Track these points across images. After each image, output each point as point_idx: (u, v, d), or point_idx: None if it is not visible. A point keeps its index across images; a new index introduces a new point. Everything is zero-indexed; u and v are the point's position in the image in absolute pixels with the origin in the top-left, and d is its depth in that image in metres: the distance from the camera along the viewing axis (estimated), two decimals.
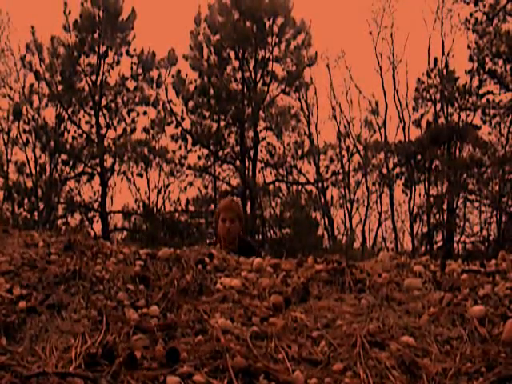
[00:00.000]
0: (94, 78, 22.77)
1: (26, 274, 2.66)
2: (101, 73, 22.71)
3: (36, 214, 23.39)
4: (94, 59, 22.73)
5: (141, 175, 23.36)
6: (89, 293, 2.51)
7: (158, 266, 2.90)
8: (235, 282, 2.74)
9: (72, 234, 3.28)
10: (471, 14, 23.91)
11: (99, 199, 23.34)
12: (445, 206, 24.94)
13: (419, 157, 25.14)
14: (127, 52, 22.65)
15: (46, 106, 23.21)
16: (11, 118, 23.36)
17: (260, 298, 2.63)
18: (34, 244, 3.18)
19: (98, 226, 23.77)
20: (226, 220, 5.66)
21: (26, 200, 23.31)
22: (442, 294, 2.77)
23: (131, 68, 22.74)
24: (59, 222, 23.80)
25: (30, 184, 23.37)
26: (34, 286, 2.52)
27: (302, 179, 24.54)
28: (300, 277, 2.85)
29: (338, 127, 26.09)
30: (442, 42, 25.84)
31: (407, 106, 26.09)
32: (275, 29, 22.65)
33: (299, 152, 23.66)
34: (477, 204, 24.96)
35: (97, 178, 23.32)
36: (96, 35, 22.52)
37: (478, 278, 3.12)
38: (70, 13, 22.55)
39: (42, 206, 23.38)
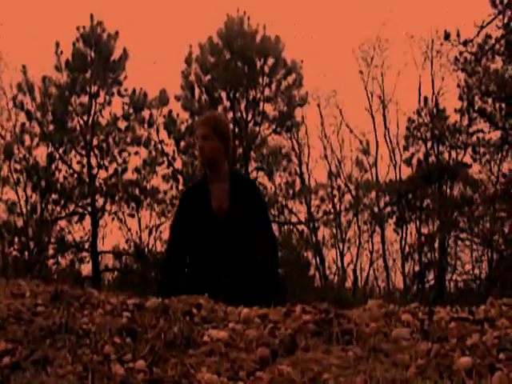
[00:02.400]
0: (85, 117, 22.86)
1: (12, 327, 2.64)
2: (92, 113, 22.80)
3: (26, 253, 23.30)
4: (85, 99, 22.86)
5: (132, 215, 23.33)
6: (75, 347, 2.50)
7: (146, 317, 2.88)
8: (222, 334, 2.72)
9: (59, 284, 3.27)
10: (460, 54, 24.13)
11: (90, 239, 23.25)
12: (436, 245, 24.98)
13: (410, 195, 25.24)
14: (119, 92, 22.75)
15: (38, 145, 23.25)
16: (2, 157, 23.40)
17: (247, 350, 2.62)
18: (20, 294, 3.17)
19: (88, 267, 23.72)
20: (198, 139, 4.56)
21: (16, 239, 23.23)
22: (430, 344, 2.76)
23: (123, 108, 22.85)
24: (50, 262, 23.72)
25: (20, 223, 23.34)
26: (19, 341, 2.51)
27: (294, 219, 24.59)
28: (287, 328, 2.83)
29: (330, 166, 26.23)
30: (432, 80, 26.14)
31: (398, 144, 26.25)
32: (266, 69, 22.83)
33: (290, 192, 23.72)
34: (468, 242, 25.01)
35: (88, 218, 23.28)
36: (88, 75, 22.66)
37: (467, 326, 3.10)
38: (61, 53, 22.72)
39: (32, 245, 23.31)
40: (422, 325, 3.07)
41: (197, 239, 4.45)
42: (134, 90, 22.75)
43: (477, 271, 24.79)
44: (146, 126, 22.88)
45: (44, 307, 2.92)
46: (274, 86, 22.99)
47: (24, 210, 23.34)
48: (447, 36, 24.63)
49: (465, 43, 23.77)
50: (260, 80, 22.80)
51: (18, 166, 23.19)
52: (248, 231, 4.45)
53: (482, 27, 21.81)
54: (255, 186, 5.00)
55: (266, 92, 22.90)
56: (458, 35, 24.09)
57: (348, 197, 25.96)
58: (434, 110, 25.51)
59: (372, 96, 26.47)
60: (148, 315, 2.92)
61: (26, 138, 23.18)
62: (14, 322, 2.70)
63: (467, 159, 24.89)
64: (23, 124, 23.24)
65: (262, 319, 2.97)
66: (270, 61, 22.85)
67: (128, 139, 22.83)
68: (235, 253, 4.42)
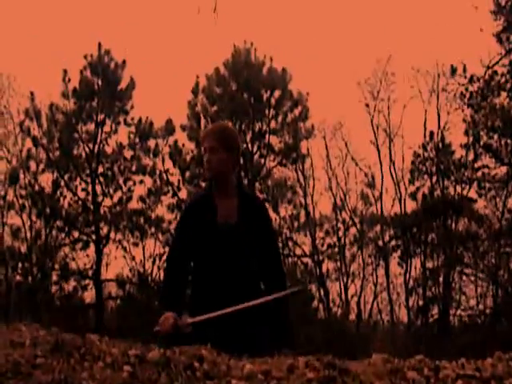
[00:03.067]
0: (91, 145, 22.93)
1: (9, 382, 2.59)
2: (98, 141, 22.87)
3: (30, 279, 23.28)
4: (91, 127, 22.95)
5: (136, 244, 23.30)
6: None
7: (147, 370, 2.83)
8: None
9: (60, 333, 3.22)
10: (466, 89, 24.15)
11: (93, 267, 23.22)
12: (441, 279, 24.87)
13: (415, 229, 25.18)
14: (125, 121, 22.85)
15: (43, 171, 23.32)
16: (7, 182, 23.45)
17: None
18: (20, 343, 3.12)
19: (91, 294, 23.66)
20: (205, 151, 4.20)
21: (20, 265, 23.22)
22: None
23: (129, 137, 22.94)
24: (53, 288, 23.67)
25: (24, 249, 23.34)
26: None
27: (298, 251, 24.54)
28: None
29: (335, 199, 26.20)
30: (438, 115, 26.11)
31: (403, 178, 26.22)
32: (273, 101, 22.91)
33: (295, 224, 23.70)
34: (473, 277, 24.90)
35: (92, 246, 23.26)
36: (94, 103, 22.77)
37: None
38: (69, 81, 22.86)
39: (36, 271, 23.29)
40: (427, 382, 3.02)
41: (200, 256, 4.14)
42: (140, 119, 22.85)
43: (481, 306, 24.65)
44: (151, 155, 22.93)
45: (44, 359, 2.87)
46: (280, 118, 23.06)
47: (28, 235, 23.36)
48: (453, 71, 24.74)
49: (471, 80, 23.83)
50: (266, 112, 22.87)
51: (23, 192, 23.25)
52: (256, 252, 4.18)
53: (488, 67, 21.89)
54: (264, 205, 4.60)
55: (272, 124, 22.98)
56: (465, 71, 24.19)
57: (353, 230, 25.94)
58: (440, 145, 25.49)
59: (378, 129, 26.48)
60: (149, 368, 2.87)
61: (32, 163, 23.26)
62: (12, 377, 2.65)
63: (472, 194, 24.87)
64: (29, 149, 23.34)
65: (265, 375, 2.92)
66: (277, 93, 22.93)
67: (133, 168, 22.88)
68: (241, 275, 4.12)
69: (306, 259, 24.72)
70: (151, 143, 22.98)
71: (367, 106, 26.26)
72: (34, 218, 23.41)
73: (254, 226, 4.14)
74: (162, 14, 38.62)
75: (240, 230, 4.11)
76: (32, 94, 23.10)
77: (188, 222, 4.20)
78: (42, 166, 23.11)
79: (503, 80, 23.53)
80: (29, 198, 23.17)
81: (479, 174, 24.80)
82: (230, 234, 4.10)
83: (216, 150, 4.11)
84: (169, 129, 22.77)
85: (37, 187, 23.16)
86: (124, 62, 22.83)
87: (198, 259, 4.17)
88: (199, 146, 22.63)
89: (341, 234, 25.61)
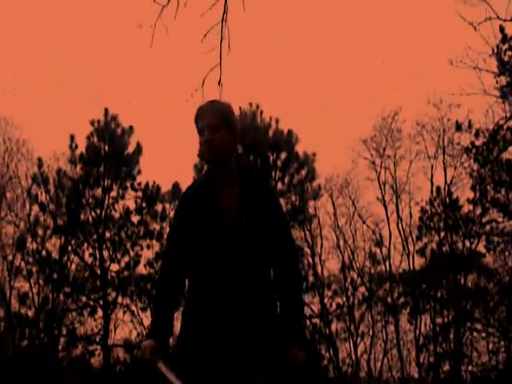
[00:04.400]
0: (98, 211, 22.95)
1: None
2: (105, 206, 22.90)
3: (37, 343, 23.17)
4: (98, 192, 22.99)
5: (144, 309, 23.18)
6: None
7: None
8: None
9: None
10: (472, 144, 24.16)
11: (101, 332, 23.09)
12: (451, 335, 24.67)
13: (424, 286, 25.04)
14: (132, 186, 22.89)
15: (50, 237, 23.34)
16: (15, 246, 23.48)
17: None
18: None
19: (99, 358, 23.49)
20: (203, 130, 3.58)
21: (27, 331, 23.11)
22: None
23: (135, 202, 22.95)
24: (61, 354, 23.53)
25: (31, 314, 23.26)
26: None
27: (307, 311, 24.35)
28: None
29: (343, 257, 26.09)
30: (445, 169, 26.07)
31: (411, 234, 26.13)
32: (279, 163, 22.93)
33: (304, 285, 23.54)
34: (484, 333, 24.71)
35: (99, 311, 23.16)
36: (101, 169, 22.84)
37: None
38: (76, 147, 22.98)
39: (43, 336, 23.19)
40: None
41: (199, 256, 3.50)
42: (147, 184, 22.89)
43: (494, 362, 24.40)
44: (158, 219, 22.92)
45: None
46: (286, 180, 23.05)
47: (36, 300, 23.29)
48: (458, 127, 24.76)
49: (476, 134, 23.85)
50: (273, 174, 22.88)
51: (30, 258, 23.25)
52: (266, 252, 3.54)
53: (494, 130, 21.91)
54: (272, 191, 3.89)
55: (279, 186, 22.94)
56: (470, 126, 24.22)
57: (361, 289, 25.82)
58: (447, 200, 25.45)
59: (384, 186, 26.45)
60: None
61: (39, 229, 23.28)
62: None
63: (481, 248, 24.74)
64: (37, 215, 23.39)
65: None
66: (283, 154, 22.95)
67: (140, 233, 22.86)
68: (248, 281, 3.46)
69: (315, 319, 24.56)
70: (158, 207, 23.00)
71: (373, 163, 26.29)
72: (41, 283, 23.37)
73: (261, 216, 3.54)
74: (167, 81, 38.86)
75: (249, 227, 3.51)
76: (40, 160, 23.25)
77: (185, 217, 3.61)
78: (49, 232, 23.11)
79: (509, 135, 23.57)
80: (36, 264, 23.14)
81: (487, 227, 24.71)
82: (237, 232, 3.49)
83: (217, 128, 3.54)
84: (176, 193, 22.77)
85: (44, 253, 23.14)
86: (131, 127, 22.95)
87: (196, 261, 3.53)
88: None
89: (349, 293, 25.50)
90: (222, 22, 7.97)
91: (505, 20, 20.43)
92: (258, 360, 3.38)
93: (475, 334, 24.80)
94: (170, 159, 34.21)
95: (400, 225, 26.29)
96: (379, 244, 25.97)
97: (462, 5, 15.68)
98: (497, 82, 22.48)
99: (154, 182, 22.94)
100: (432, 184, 25.94)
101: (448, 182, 25.82)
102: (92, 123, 22.95)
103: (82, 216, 23.07)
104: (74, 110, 37.11)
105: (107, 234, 22.99)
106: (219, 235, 3.48)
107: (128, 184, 22.84)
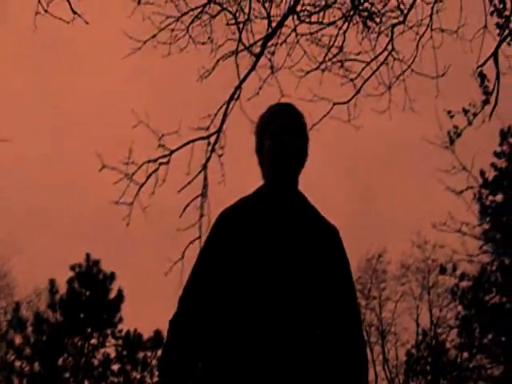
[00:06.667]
0: (77, 358, 22.30)
1: None
2: (85, 353, 22.28)
3: None
4: (78, 339, 22.39)
5: None
6: None
7: None
8: None
9: None
10: (457, 286, 24.11)
11: None
12: None
13: None
14: (113, 333, 22.35)
15: None
16: None
17: None
18: None
19: None
20: (281, 134, 2.65)
21: None
22: None
23: (116, 350, 22.36)
24: None
25: None
26: None
27: None
28: None
29: None
30: (430, 311, 25.94)
31: (397, 376, 25.72)
32: None
33: None
34: None
35: None
36: (81, 315, 22.33)
37: None
38: (56, 292, 22.52)
39: None
40: None
41: (233, 315, 2.50)
42: (128, 332, 22.36)
43: None
44: (139, 368, 22.30)
45: None
46: None
47: None
48: (443, 270, 24.72)
49: (461, 277, 23.83)
50: None
51: None
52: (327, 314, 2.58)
53: (479, 274, 21.91)
54: (338, 235, 2.77)
55: None
56: (454, 269, 24.23)
57: None
58: (433, 342, 25.18)
59: (370, 328, 26.18)
60: None
61: (14, 378, 22.55)
62: None
63: None
64: (13, 361, 22.70)
65: None
66: None
67: (121, 382, 22.19)
68: (302, 354, 2.50)
69: None
70: (139, 355, 22.39)
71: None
72: None
73: (326, 266, 2.58)
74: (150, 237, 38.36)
75: (310, 271, 2.53)
76: (17, 304, 22.80)
77: (219, 251, 2.57)
78: (25, 382, 22.36)
79: (494, 278, 23.55)
80: None
81: (475, 372, 24.37)
82: (293, 269, 2.50)
83: (299, 136, 2.69)
84: (157, 340, 22.24)
85: None
86: (113, 274, 22.58)
87: (225, 322, 2.52)
88: None
89: None
90: (202, 196, 7.85)
91: (483, 187, 20.96)
92: None
93: None
94: (151, 307, 33.73)
95: (386, 366, 25.92)
96: None
97: (444, 174, 15.88)
98: (479, 225, 22.71)
99: (136, 330, 22.42)
100: (418, 325, 25.77)
101: (434, 322, 25.65)
102: (73, 268, 22.57)
103: (61, 363, 22.40)
104: (54, 253, 36.35)
105: (86, 383, 22.28)
106: (267, 279, 2.51)
107: (109, 331, 22.30)
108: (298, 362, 2.47)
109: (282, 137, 2.62)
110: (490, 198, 22.80)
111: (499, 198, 22.37)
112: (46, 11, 7.14)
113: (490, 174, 22.05)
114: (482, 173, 22.44)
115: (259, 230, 2.54)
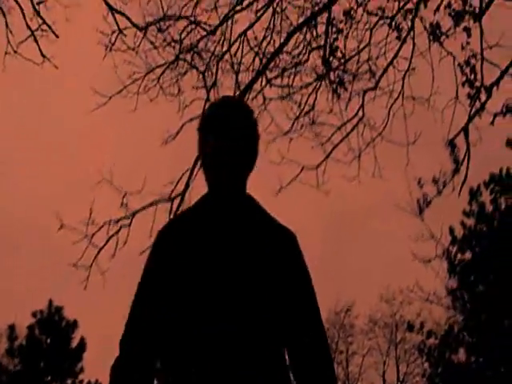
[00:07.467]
0: None
1: None
2: None
3: None
4: None
5: None
6: None
7: None
8: None
9: None
10: (424, 344, 24.01)
11: None
12: None
13: None
14: (73, 383, 21.91)
15: None
16: None
17: None
18: None
19: None
20: (220, 136, 2.44)
21: None
22: None
23: None
24: None
25: None
26: None
27: None
28: None
29: None
30: (397, 365, 25.81)
31: None
32: None
33: None
34: None
35: None
36: (42, 364, 21.87)
37: None
38: (16, 338, 22.06)
39: None
40: None
41: (181, 325, 2.33)
42: (89, 382, 21.94)
43: None
44: None
45: None
46: None
47: None
48: (410, 327, 24.62)
49: (428, 335, 23.76)
50: None
51: None
52: (282, 322, 2.40)
53: (445, 332, 21.83)
54: (294, 239, 2.52)
55: None
56: (422, 327, 24.14)
57: None
58: None
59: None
60: None
61: None
62: None
63: None
64: None
65: None
66: None
67: None
68: (257, 366, 2.29)
69: None
70: None
71: None
72: None
73: (279, 274, 2.39)
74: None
75: (254, 283, 2.35)
76: None
77: (162, 263, 2.42)
78: None
79: (461, 336, 23.48)
80: None
81: None
82: (241, 286, 2.33)
83: (238, 140, 2.46)
84: None
85: None
86: (75, 321, 22.19)
87: (175, 333, 2.35)
88: None
89: None
90: None
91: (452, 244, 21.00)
92: None
93: None
94: (114, 357, 33.17)
95: None
96: None
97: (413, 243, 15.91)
98: (447, 289, 22.74)
99: (97, 381, 22.00)
100: (384, 381, 25.63)
101: (400, 378, 25.53)
102: (34, 314, 22.13)
103: None
104: (14, 298, 35.51)
105: None
106: (210, 291, 2.33)
107: (69, 382, 21.88)
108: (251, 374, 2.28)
109: (220, 140, 2.43)
110: (459, 256, 22.80)
111: (468, 256, 22.36)
112: (15, 52, 7.02)
113: (459, 232, 22.05)
114: (451, 230, 22.46)
115: (198, 240, 2.41)
